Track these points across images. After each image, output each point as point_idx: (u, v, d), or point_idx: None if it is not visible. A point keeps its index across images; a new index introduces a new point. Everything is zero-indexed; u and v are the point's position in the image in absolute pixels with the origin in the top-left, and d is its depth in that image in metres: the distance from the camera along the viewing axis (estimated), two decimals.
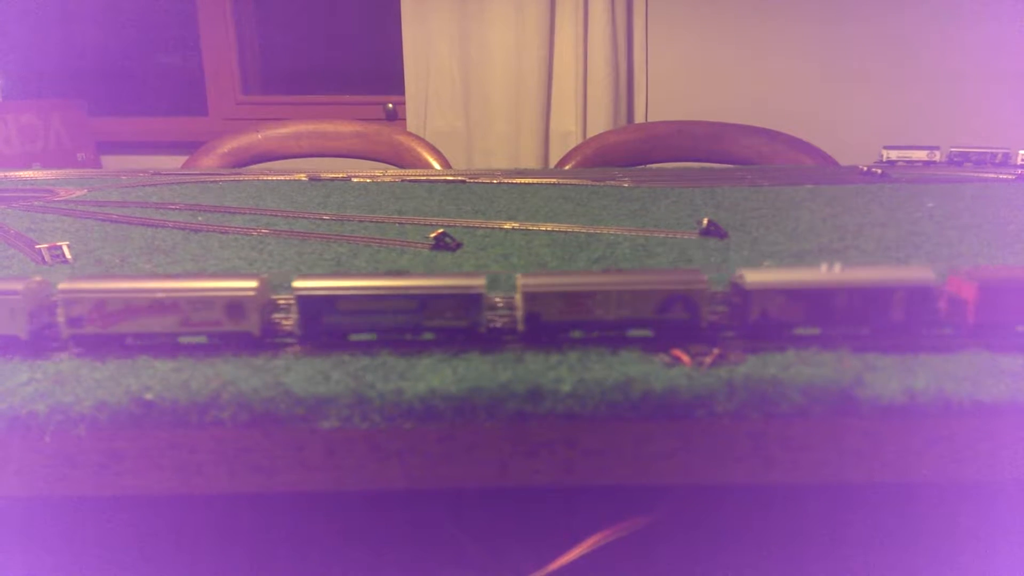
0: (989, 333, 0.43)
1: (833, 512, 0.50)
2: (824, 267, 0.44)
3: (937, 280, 0.44)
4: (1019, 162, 1.11)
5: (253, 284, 0.43)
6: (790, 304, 0.43)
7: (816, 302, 0.43)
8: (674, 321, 0.43)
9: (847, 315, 0.43)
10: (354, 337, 0.44)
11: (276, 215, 0.83)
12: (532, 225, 0.77)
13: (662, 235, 0.72)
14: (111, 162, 2.31)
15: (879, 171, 1.08)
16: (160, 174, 1.15)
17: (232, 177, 1.13)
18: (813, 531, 0.50)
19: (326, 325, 0.43)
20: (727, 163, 1.41)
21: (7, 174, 1.15)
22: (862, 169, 1.12)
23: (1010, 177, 1.04)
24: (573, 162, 1.47)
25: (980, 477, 0.41)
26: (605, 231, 0.74)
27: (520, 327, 0.44)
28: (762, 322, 0.43)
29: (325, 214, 0.83)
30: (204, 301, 0.42)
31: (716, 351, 0.42)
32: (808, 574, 0.50)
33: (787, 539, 0.51)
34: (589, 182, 1.05)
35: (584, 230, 0.74)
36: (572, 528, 0.43)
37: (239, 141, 1.52)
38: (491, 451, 0.41)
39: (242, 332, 0.43)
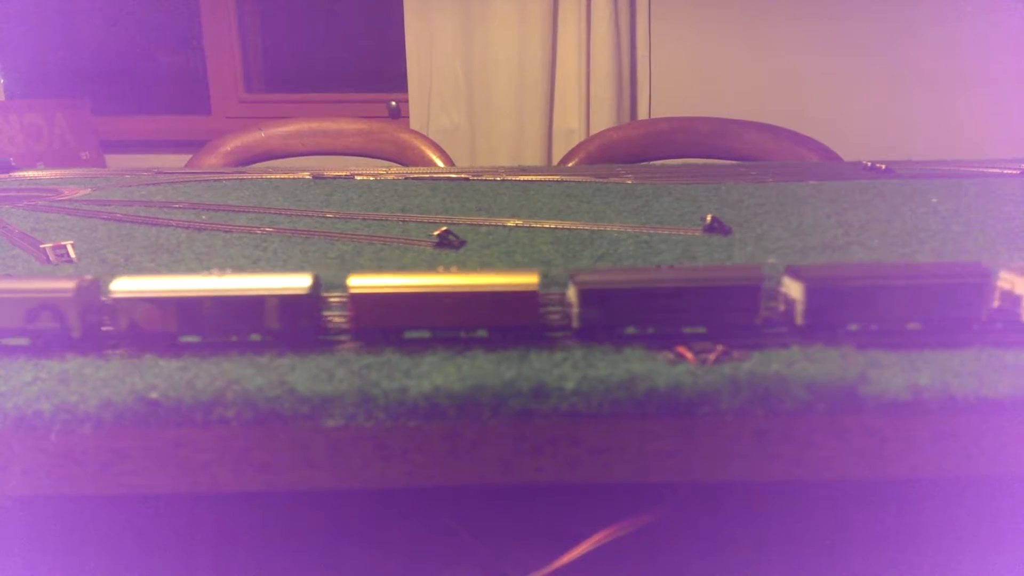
0: (820, 332, 0.43)
1: (838, 509, 0.50)
2: (660, 267, 0.44)
3: (768, 279, 0.44)
4: None
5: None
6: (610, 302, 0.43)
7: (644, 301, 0.43)
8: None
9: (678, 314, 0.43)
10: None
11: (280, 213, 0.83)
12: (535, 222, 0.77)
13: (666, 232, 0.72)
14: (115, 161, 2.31)
15: (883, 166, 1.08)
16: (163, 173, 1.15)
17: (235, 176, 1.13)
18: (818, 528, 0.50)
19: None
20: (730, 159, 1.41)
21: (11, 174, 1.15)
22: (866, 164, 1.12)
23: (1015, 172, 1.03)
24: (576, 159, 1.46)
25: (985, 474, 0.41)
26: (609, 228, 0.73)
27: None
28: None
29: (328, 212, 0.83)
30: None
31: (720, 348, 0.42)
32: (813, 571, 0.50)
33: (792, 536, 0.51)
34: (592, 179, 1.05)
35: (588, 227, 0.74)
36: (576, 526, 0.43)
37: (242, 140, 1.52)
38: (495, 449, 0.41)
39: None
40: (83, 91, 2.34)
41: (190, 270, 0.61)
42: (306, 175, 1.10)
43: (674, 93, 2.06)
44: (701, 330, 0.44)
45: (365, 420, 0.39)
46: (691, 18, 2.04)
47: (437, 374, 0.40)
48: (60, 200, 0.92)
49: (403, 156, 1.50)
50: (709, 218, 0.71)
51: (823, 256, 0.62)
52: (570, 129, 2.04)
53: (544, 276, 0.45)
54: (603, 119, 2.00)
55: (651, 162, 1.48)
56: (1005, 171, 1.04)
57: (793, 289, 0.44)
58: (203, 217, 0.81)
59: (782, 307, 0.45)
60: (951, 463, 0.40)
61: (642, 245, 0.67)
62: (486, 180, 1.06)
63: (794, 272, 0.44)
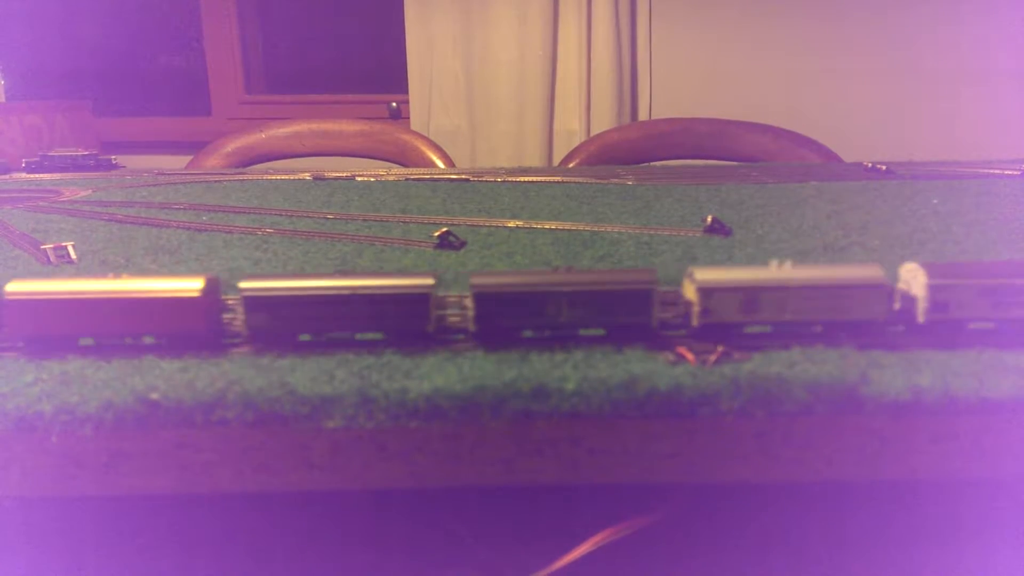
0: (716, 334, 0.43)
1: (838, 510, 0.50)
2: (557, 269, 0.44)
3: (660, 283, 0.44)
4: None
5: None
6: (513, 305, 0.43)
7: (539, 304, 0.43)
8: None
9: (574, 317, 0.43)
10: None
11: (280, 214, 0.83)
12: (536, 223, 0.77)
13: (666, 233, 0.72)
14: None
15: (883, 167, 1.08)
16: (164, 174, 1.15)
17: (236, 177, 1.13)
18: (818, 529, 0.50)
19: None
20: (731, 160, 1.41)
21: (13, 175, 1.15)
22: (866, 165, 1.12)
23: (1015, 173, 1.03)
24: (577, 160, 1.46)
25: (985, 474, 0.41)
26: (609, 229, 0.74)
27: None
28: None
29: (329, 213, 0.83)
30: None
31: (720, 349, 0.42)
32: (813, 572, 0.50)
33: (792, 537, 0.51)
34: (593, 180, 1.05)
35: (588, 228, 0.74)
36: (576, 527, 0.43)
37: (243, 141, 1.52)
38: (495, 450, 0.41)
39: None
40: (84, 92, 2.35)
41: (191, 271, 0.61)
42: (307, 176, 1.10)
43: (674, 94, 2.07)
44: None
45: (365, 421, 0.39)
46: (691, 19, 2.04)
47: (437, 375, 0.40)
48: (61, 201, 0.92)
49: (404, 157, 1.50)
50: (710, 219, 0.71)
51: (824, 257, 0.62)
52: (571, 130, 2.04)
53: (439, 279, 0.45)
54: (603, 120, 2.00)
55: (652, 163, 1.48)
56: (1005, 172, 1.04)
57: (689, 291, 0.44)
58: (204, 218, 0.81)
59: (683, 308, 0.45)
60: (951, 464, 0.40)
61: (643, 246, 0.67)
62: (486, 181, 1.06)
63: (690, 276, 0.44)
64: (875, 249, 0.64)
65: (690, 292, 0.44)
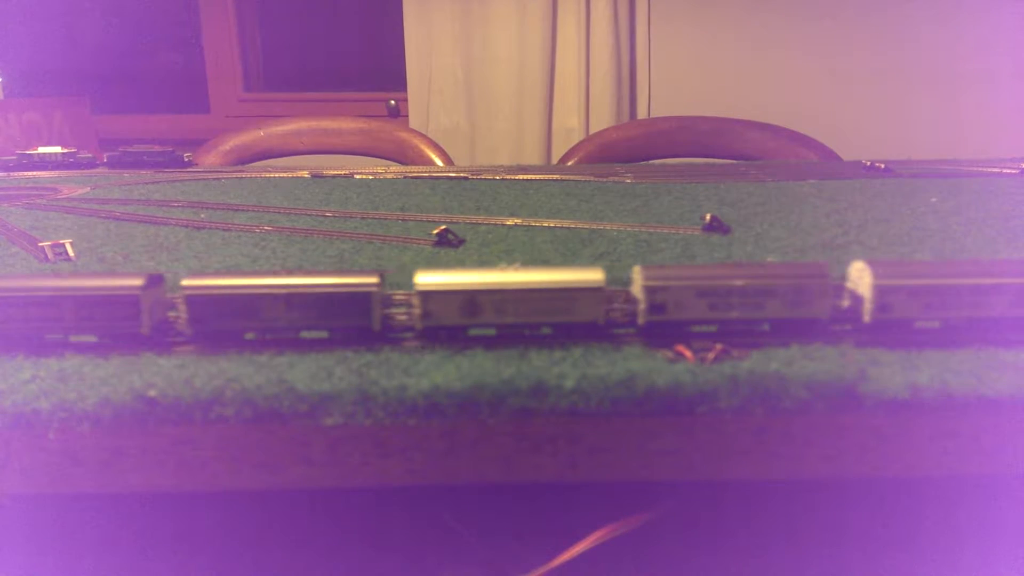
0: (439, 336, 0.44)
1: (836, 508, 0.50)
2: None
3: (381, 286, 0.44)
4: None
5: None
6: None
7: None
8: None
9: (296, 320, 0.43)
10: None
11: (279, 212, 0.83)
12: (535, 221, 0.77)
13: (665, 231, 0.72)
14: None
15: (882, 166, 1.08)
16: (163, 171, 1.15)
17: (234, 174, 1.13)
18: (816, 527, 0.50)
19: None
20: (730, 158, 1.41)
21: (10, 172, 1.15)
22: (866, 164, 1.12)
23: (1014, 172, 1.03)
24: (576, 158, 1.46)
25: (985, 472, 0.41)
26: (608, 227, 0.73)
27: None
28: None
29: (328, 211, 0.83)
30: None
31: (719, 346, 0.42)
32: (811, 570, 0.50)
33: (790, 535, 0.51)
34: (592, 178, 1.05)
35: (587, 226, 0.74)
36: (575, 524, 0.43)
37: (241, 138, 1.52)
38: (494, 447, 0.41)
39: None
40: (82, 89, 2.34)
41: (189, 268, 0.61)
42: (305, 174, 1.10)
43: (674, 92, 2.06)
44: (323, 334, 0.44)
45: (364, 418, 0.39)
46: (691, 17, 2.03)
47: (436, 372, 0.40)
48: (59, 199, 0.92)
49: (402, 155, 1.50)
50: (708, 217, 0.71)
51: (823, 255, 0.62)
52: (570, 128, 2.04)
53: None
54: (602, 118, 2.00)
55: (650, 161, 1.48)
56: (1005, 171, 1.04)
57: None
58: (202, 216, 0.81)
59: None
60: (950, 461, 0.40)
61: (642, 244, 0.67)
62: (485, 179, 1.06)
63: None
64: (874, 247, 0.64)
65: (414, 296, 0.44)
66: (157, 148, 1.21)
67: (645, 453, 0.41)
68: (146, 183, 1.04)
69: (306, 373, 0.40)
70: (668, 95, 2.06)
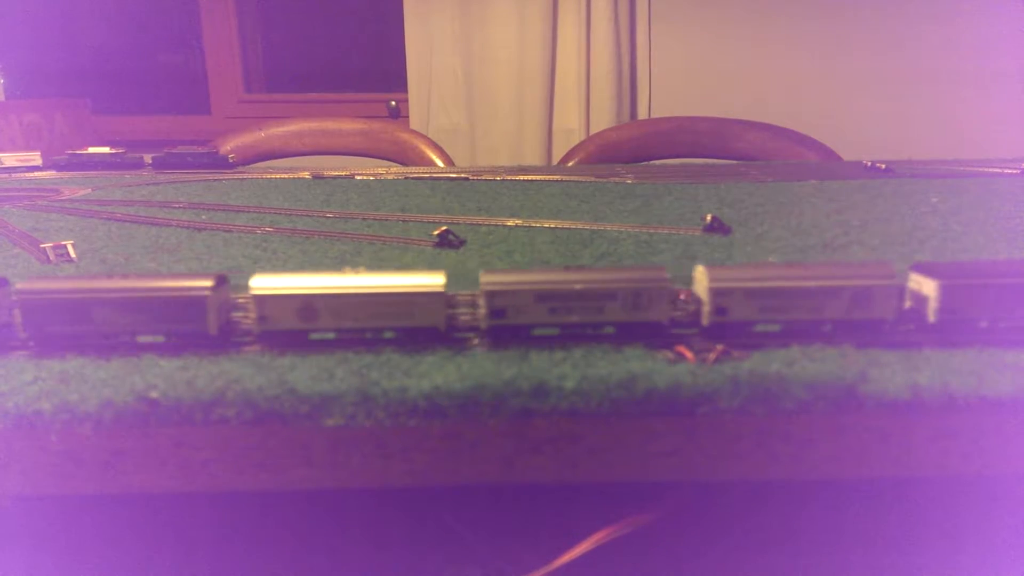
0: (279, 341, 0.44)
1: (837, 508, 0.50)
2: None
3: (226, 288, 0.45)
4: None
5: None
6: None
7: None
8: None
9: (130, 324, 0.43)
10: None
11: (279, 213, 0.83)
12: (535, 222, 0.77)
13: (666, 231, 0.72)
14: None
15: (883, 166, 1.08)
16: (164, 173, 1.15)
17: (235, 176, 1.13)
18: (817, 528, 0.50)
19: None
20: (730, 159, 1.41)
21: (12, 174, 1.15)
22: (866, 164, 1.12)
23: (1015, 172, 1.03)
24: (576, 159, 1.46)
25: (985, 473, 0.41)
26: (608, 228, 0.74)
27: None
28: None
29: (328, 212, 0.83)
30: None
31: (720, 347, 0.42)
32: (811, 570, 0.50)
33: (791, 536, 0.51)
34: (592, 179, 1.05)
35: (587, 227, 0.74)
36: (576, 525, 0.43)
37: (242, 139, 1.52)
38: (495, 448, 0.41)
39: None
40: (83, 91, 2.34)
41: (190, 270, 0.61)
42: (306, 175, 1.10)
43: (674, 93, 2.06)
44: (160, 339, 0.44)
45: (365, 419, 0.39)
46: (691, 18, 2.04)
47: (437, 373, 0.40)
48: (60, 200, 0.92)
49: (403, 156, 1.50)
50: (709, 217, 0.71)
51: (823, 255, 0.62)
52: (570, 129, 2.04)
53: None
54: (603, 119, 2.00)
55: (651, 162, 1.48)
56: (1005, 171, 1.04)
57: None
58: (203, 217, 0.81)
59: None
60: (951, 462, 0.40)
61: (642, 244, 0.67)
62: (486, 180, 1.06)
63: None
64: (875, 247, 0.64)
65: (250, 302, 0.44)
66: (201, 149, 1.21)
67: (645, 454, 0.41)
68: (147, 184, 1.05)
69: (307, 374, 0.40)
70: (668, 95, 2.06)
